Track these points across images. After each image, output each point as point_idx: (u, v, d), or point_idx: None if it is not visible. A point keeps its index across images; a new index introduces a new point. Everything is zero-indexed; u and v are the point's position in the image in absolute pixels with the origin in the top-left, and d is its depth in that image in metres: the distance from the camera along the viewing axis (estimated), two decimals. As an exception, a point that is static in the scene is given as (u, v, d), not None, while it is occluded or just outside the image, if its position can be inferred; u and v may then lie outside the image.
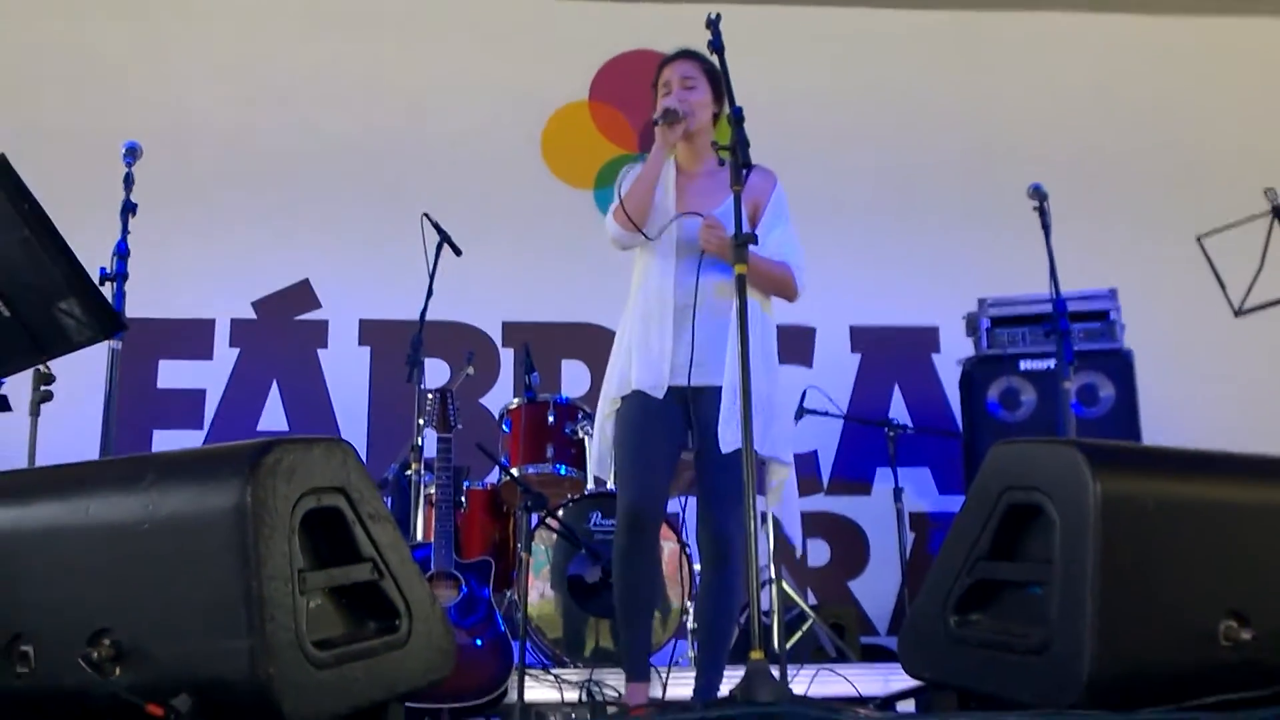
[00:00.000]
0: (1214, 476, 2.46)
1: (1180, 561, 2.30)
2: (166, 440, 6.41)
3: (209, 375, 6.62)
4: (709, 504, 3.77)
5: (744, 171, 3.30)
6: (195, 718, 2.06)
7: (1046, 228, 4.76)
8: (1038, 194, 4.78)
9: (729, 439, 3.62)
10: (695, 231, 3.76)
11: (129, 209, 4.40)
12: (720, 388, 3.71)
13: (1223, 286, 4.80)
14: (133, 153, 4.48)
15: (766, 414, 3.68)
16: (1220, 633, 2.29)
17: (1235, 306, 4.82)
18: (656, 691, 4.07)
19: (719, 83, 3.90)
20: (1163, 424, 5.81)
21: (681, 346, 3.74)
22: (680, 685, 4.26)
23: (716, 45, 3.53)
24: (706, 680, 3.76)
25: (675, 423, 3.80)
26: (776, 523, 5.02)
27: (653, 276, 3.85)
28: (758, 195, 3.85)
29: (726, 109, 3.46)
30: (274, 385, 6.64)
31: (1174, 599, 2.29)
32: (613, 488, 5.17)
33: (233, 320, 6.71)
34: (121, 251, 4.29)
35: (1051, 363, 5.17)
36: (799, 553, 4.68)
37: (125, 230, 4.35)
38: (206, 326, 6.68)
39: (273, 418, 6.57)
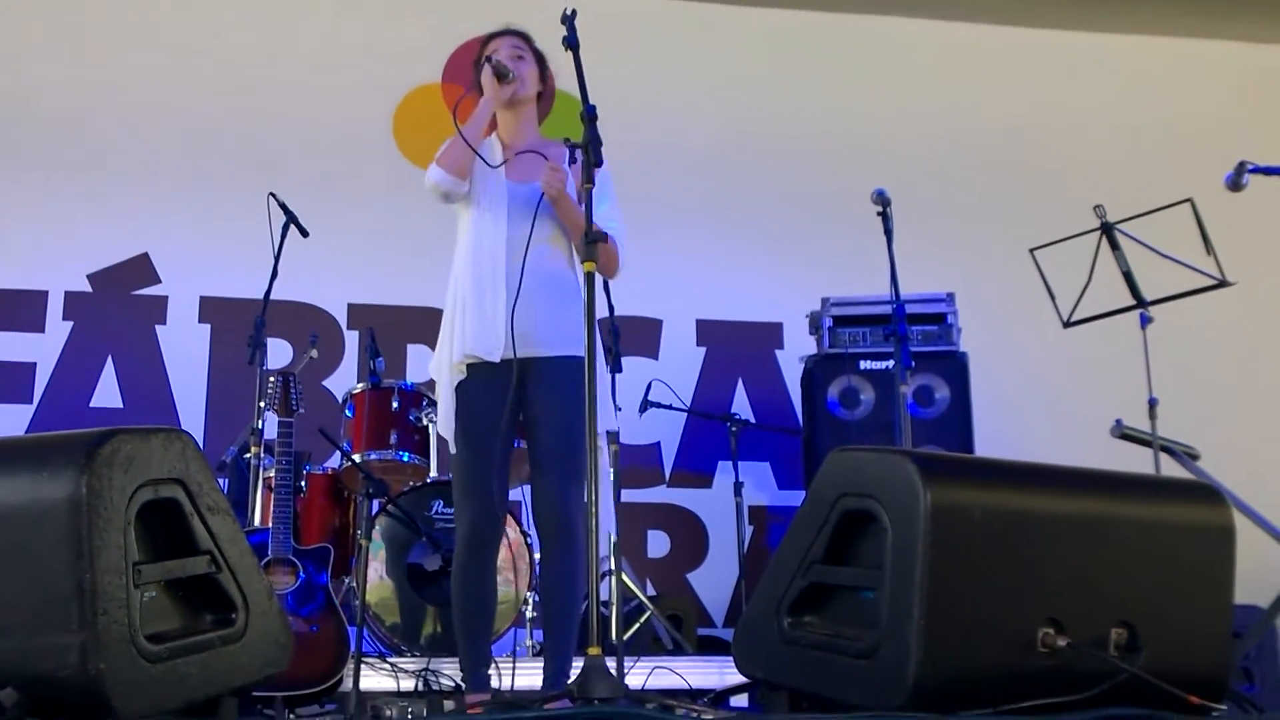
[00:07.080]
0: (1037, 488, 2.54)
1: (1003, 570, 2.39)
2: (-8, 414, 6.21)
3: (40, 348, 6.40)
4: (549, 479, 3.72)
5: (594, 169, 3.27)
6: (22, 714, 2.02)
7: (889, 233, 4.84)
8: (881, 199, 4.86)
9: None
10: (526, 198, 3.76)
11: (-43, 179, 4.23)
12: (552, 359, 3.73)
13: (1053, 298, 4.99)
14: (-38, 121, 4.31)
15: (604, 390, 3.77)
16: (1039, 639, 2.38)
17: (1064, 318, 5.00)
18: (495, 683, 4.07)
19: (545, 64, 3.96)
20: (994, 426, 5.99)
21: (515, 315, 3.67)
22: (519, 675, 4.27)
23: (572, 42, 3.45)
24: (557, 666, 3.69)
25: (509, 409, 3.73)
26: (620, 513, 5.09)
27: (485, 235, 3.81)
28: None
29: (580, 107, 3.38)
30: (109, 361, 6.45)
31: (997, 606, 2.37)
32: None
33: (66, 292, 6.50)
34: (-52, 223, 4.14)
35: (890, 363, 5.26)
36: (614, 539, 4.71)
37: (-47, 201, 4.20)
38: (39, 298, 6.46)
39: (106, 394, 6.39)
